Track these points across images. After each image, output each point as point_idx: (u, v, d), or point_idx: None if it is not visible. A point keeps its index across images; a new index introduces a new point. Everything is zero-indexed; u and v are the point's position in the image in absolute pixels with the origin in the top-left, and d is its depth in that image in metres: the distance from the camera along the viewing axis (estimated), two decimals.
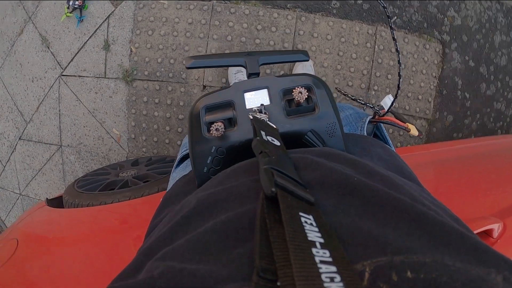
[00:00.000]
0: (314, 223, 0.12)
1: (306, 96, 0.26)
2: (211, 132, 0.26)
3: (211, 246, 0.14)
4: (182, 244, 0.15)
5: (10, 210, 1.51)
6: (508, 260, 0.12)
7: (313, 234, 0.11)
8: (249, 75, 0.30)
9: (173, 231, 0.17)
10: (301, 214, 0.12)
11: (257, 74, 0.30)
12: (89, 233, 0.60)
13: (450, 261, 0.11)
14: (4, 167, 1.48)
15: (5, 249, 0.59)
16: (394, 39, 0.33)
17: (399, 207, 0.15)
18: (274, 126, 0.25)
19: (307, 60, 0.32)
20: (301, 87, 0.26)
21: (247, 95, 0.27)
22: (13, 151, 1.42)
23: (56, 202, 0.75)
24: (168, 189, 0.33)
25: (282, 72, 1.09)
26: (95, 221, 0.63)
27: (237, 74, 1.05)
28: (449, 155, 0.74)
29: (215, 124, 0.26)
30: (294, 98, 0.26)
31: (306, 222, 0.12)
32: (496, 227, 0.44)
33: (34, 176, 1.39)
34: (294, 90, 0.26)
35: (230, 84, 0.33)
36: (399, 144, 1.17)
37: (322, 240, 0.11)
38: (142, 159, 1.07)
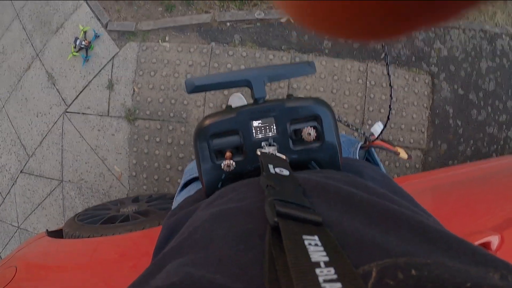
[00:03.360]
0: (319, 243, 0.13)
1: (314, 138, 0.27)
2: (222, 167, 0.27)
3: (225, 256, 0.15)
4: (200, 256, 0.15)
5: (7, 243, 1.49)
6: (505, 261, 0.13)
7: (318, 254, 0.12)
8: (255, 100, 0.29)
9: (187, 241, 0.18)
10: (304, 237, 0.13)
11: (263, 98, 0.29)
12: (88, 263, 0.60)
13: (450, 262, 0.12)
14: (4, 199, 1.48)
15: (3, 275, 0.58)
16: (388, 74, 0.36)
17: (399, 217, 0.16)
18: (284, 157, 0.25)
19: (314, 73, 0.31)
20: (310, 127, 0.27)
21: (254, 123, 0.28)
22: (13, 184, 1.43)
23: (56, 235, 0.75)
24: (173, 208, 0.34)
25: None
26: (94, 251, 0.63)
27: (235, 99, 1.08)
28: (446, 181, 0.75)
29: (227, 161, 0.27)
30: (301, 134, 0.27)
31: (310, 244, 0.13)
32: (493, 240, 0.45)
33: (34, 210, 1.38)
34: (303, 132, 0.27)
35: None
36: (395, 175, 1.19)
37: (327, 259, 0.12)
38: (142, 196, 1.08)
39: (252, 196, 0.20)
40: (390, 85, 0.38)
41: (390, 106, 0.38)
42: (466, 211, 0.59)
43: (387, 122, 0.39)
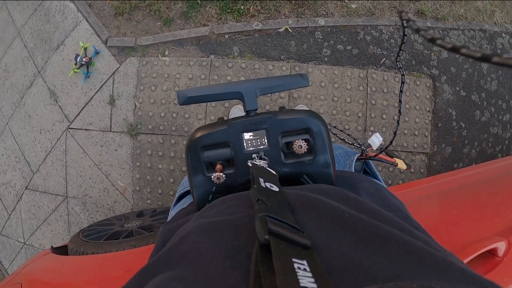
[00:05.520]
0: (307, 268, 0.13)
1: (306, 150, 0.27)
2: (212, 179, 0.27)
3: (212, 273, 0.15)
4: (188, 272, 0.15)
5: (14, 259, 1.50)
6: (493, 283, 0.13)
7: (306, 280, 0.12)
8: (247, 112, 0.29)
9: (170, 250, 0.18)
10: (294, 260, 0.13)
11: (255, 110, 0.29)
12: (93, 279, 0.60)
13: (437, 284, 0.12)
14: (10, 215, 1.49)
15: None
16: (402, 82, 0.34)
17: (388, 237, 0.16)
18: (274, 172, 0.25)
19: (307, 85, 0.31)
20: (301, 140, 0.27)
21: (246, 136, 0.27)
22: (19, 200, 1.44)
23: (61, 251, 0.76)
24: (168, 220, 0.34)
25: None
26: (99, 268, 0.63)
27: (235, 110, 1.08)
28: (452, 185, 0.74)
29: (217, 173, 0.26)
30: (293, 147, 0.27)
31: (299, 268, 0.12)
32: (500, 246, 0.44)
33: (39, 226, 1.39)
34: (294, 144, 0.27)
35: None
36: (400, 181, 1.18)
37: (315, 286, 0.11)
38: (147, 210, 1.08)
39: (241, 210, 0.20)
40: (400, 101, 0.35)
41: (399, 110, 0.36)
42: (473, 215, 0.59)
43: (393, 138, 0.38)
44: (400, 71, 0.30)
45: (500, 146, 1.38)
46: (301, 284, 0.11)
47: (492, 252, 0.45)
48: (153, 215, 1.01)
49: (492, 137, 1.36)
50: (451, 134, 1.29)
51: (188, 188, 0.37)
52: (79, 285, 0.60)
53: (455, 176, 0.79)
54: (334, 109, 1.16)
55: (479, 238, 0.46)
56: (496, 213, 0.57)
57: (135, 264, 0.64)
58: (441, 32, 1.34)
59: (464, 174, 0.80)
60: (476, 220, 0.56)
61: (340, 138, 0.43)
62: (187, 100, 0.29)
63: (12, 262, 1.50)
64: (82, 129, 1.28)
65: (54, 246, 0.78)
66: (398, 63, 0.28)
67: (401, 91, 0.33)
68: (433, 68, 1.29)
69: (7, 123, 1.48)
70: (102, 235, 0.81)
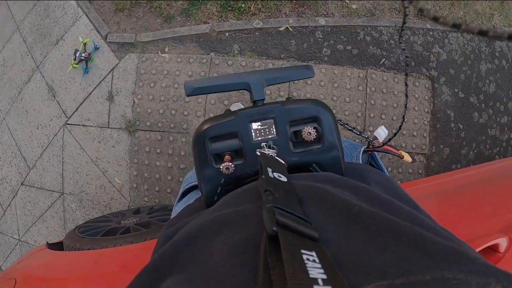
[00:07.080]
0: (316, 259, 0.13)
1: (315, 137, 0.27)
2: (221, 170, 0.26)
3: (221, 273, 0.14)
4: (197, 275, 0.15)
5: (8, 256, 1.48)
6: (506, 272, 0.13)
7: (316, 271, 0.12)
8: (254, 102, 0.29)
9: (178, 249, 0.17)
10: (303, 251, 0.13)
11: (262, 100, 0.29)
12: (89, 275, 0.59)
13: (450, 274, 0.12)
14: (5, 211, 1.47)
15: (3, 287, 0.58)
16: (406, 84, 0.34)
17: (398, 232, 0.15)
18: (282, 162, 0.25)
19: (312, 76, 0.31)
20: (310, 127, 0.27)
21: (254, 125, 0.27)
22: (14, 196, 1.42)
23: (57, 247, 0.75)
24: (172, 217, 0.33)
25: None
26: (95, 264, 0.62)
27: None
28: (449, 185, 0.74)
29: (226, 163, 0.26)
30: (302, 134, 0.27)
31: (308, 259, 0.12)
32: (502, 242, 0.44)
33: (35, 223, 1.38)
34: (303, 131, 0.27)
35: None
36: (399, 181, 1.18)
37: (324, 276, 0.11)
38: (144, 207, 1.07)
39: (248, 201, 0.20)
40: (406, 95, 0.35)
41: (403, 116, 0.37)
42: (473, 214, 0.59)
43: (398, 130, 0.38)
44: (404, 53, 0.30)
45: (497, 148, 1.39)
46: (311, 276, 0.11)
47: (494, 248, 0.45)
48: (150, 212, 1.00)
49: (490, 139, 1.37)
50: (450, 135, 1.30)
51: (194, 183, 0.37)
52: (74, 281, 0.59)
53: (453, 176, 0.79)
54: (333, 109, 1.16)
55: (479, 235, 0.47)
56: (494, 212, 0.58)
57: (132, 261, 0.63)
58: (440, 34, 1.34)
59: (462, 174, 0.80)
60: (474, 220, 0.56)
61: (348, 129, 0.43)
62: (194, 91, 0.29)
63: (6, 258, 1.48)
64: (80, 125, 1.27)
65: (49, 242, 0.77)
66: (401, 44, 0.29)
67: (406, 64, 0.33)
68: (432, 70, 1.30)
69: (4, 118, 1.47)
70: (98, 231, 0.81)
